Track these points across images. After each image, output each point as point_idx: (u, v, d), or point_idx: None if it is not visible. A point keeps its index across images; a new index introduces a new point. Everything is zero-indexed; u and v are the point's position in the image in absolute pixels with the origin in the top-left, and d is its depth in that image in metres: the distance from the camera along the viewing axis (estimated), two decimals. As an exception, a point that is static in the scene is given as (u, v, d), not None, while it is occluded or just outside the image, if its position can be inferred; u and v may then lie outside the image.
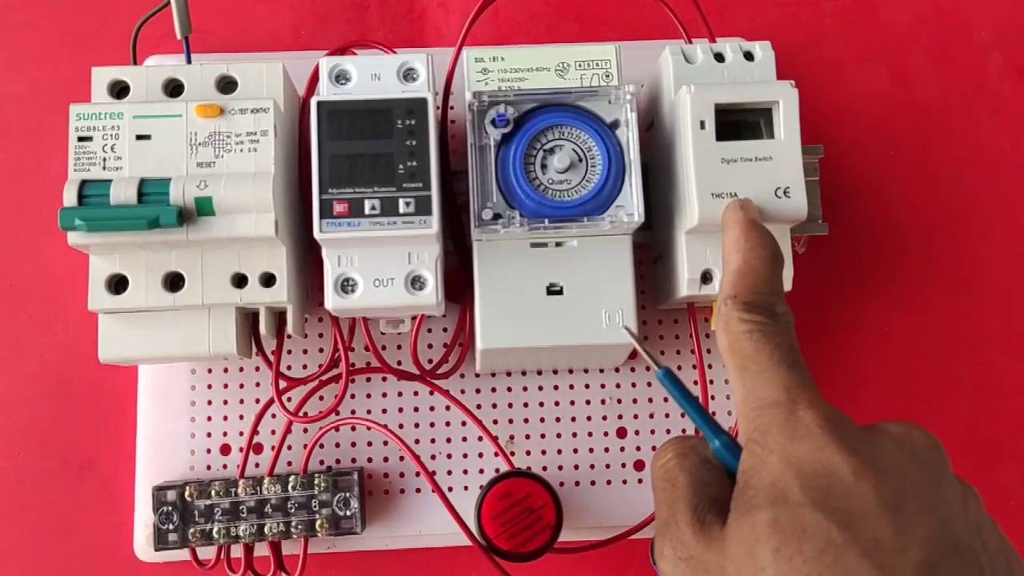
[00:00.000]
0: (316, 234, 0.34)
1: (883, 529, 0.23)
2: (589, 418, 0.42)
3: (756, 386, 0.26)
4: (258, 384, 0.41)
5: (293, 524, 0.39)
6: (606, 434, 0.42)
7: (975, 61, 0.47)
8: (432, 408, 0.42)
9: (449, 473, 0.41)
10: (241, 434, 0.41)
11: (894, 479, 0.24)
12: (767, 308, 0.28)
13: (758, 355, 0.27)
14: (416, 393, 0.42)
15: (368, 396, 0.42)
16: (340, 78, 0.37)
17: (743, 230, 0.30)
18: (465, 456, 0.41)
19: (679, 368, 0.42)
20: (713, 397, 0.42)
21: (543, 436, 0.42)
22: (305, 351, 0.42)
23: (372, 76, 0.37)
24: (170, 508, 0.39)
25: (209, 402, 0.41)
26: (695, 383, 0.42)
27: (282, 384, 0.40)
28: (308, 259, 0.40)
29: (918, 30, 0.47)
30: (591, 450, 0.42)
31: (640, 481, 0.42)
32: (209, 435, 0.41)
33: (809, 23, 0.47)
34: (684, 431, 0.42)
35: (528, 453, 0.42)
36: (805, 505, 0.23)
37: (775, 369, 0.26)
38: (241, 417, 0.41)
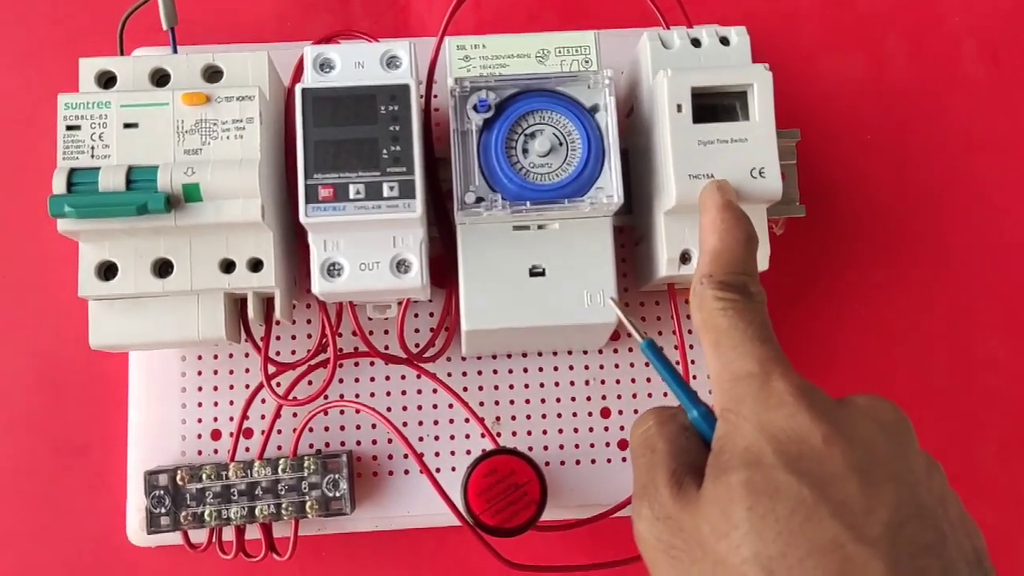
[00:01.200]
0: (302, 218, 0.35)
1: (852, 491, 0.24)
2: (573, 399, 0.43)
3: (730, 360, 0.27)
4: (247, 369, 0.42)
5: (283, 506, 0.40)
6: (590, 414, 0.43)
7: (949, 46, 0.48)
8: (419, 391, 0.42)
9: (437, 455, 0.42)
10: (231, 419, 0.42)
11: (862, 446, 0.25)
12: (741, 287, 0.29)
13: (732, 331, 0.27)
14: (403, 376, 0.42)
15: (356, 380, 0.42)
16: (324, 66, 0.37)
17: (719, 211, 0.31)
18: (452, 438, 0.42)
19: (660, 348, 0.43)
20: (695, 377, 0.43)
21: (528, 417, 0.42)
22: (293, 336, 0.43)
23: (356, 64, 0.37)
24: (162, 492, 0.40)
25: (199, 388, 0.42)
26: (676, 363, 0.43)
27: (271, 369, 0.40)
28: (295, 245, 0.40)
29: (893, 16, 0.48)
30: (575, 430, 0.42)
31: (624, 460, 0.42)
32: (200, 420, 0.42)
33: (786, 10, 0.48)
34: (667, 411, 0.43)
35: (514, 434, 0.42)
36: (778, 467, 0.24)
37: (748, 344, 0.27)
38: (231, 402, 0.42)
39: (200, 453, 0.42)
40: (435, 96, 0.42)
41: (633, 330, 0.31)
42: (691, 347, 0.43)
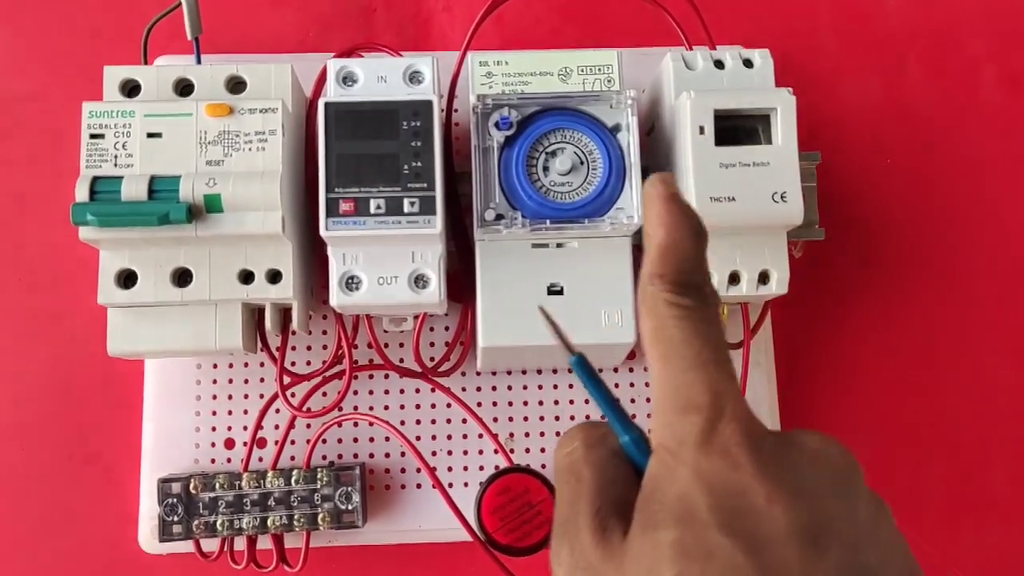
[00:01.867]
0: (322, 232, 0.35)
1: (791, 556, 0.22)
2: (588, 417, 0.43)
3: (680, 385, 0.24)
4: (262, 379, 0.42)
5: (296, 517, 0.40)
6: (604, 433, 0.42)
7: (968, 71, 0.48)
8: (433, 405, 0.42)
9: (450, 469, 0.42)
10: (245, 428, 0.42)
11: (807, 503, 0.23)
12: (696, 289, 0.25)
13: (686, 348, 0.24)
14: (418, 390, 0.42)
15: (371, 393, 0.42)
16: (347, 80, 0.37)
17: (665, 203, 0.26)
18: (465, 453, 0.42)
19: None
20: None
21: (542, 434, 0.42)
22: (309, 347, 0.43)
23: (378, 78, 0.37)
24: (175, 500, 0.40)
25: (214, 396, 0.42)
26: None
27: (286, 380, 0.40)
28: (314, 257, 0.40)
29: (913, 40, 0.48)
30: (589, 448, 0.42)
31: (637, 479, 0.42)
32: (214, 429, 0.42)
33: (807, 33, 0.48)
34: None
35: (527, 451, 0.42)
36: (712, 527, 0.22)
37: (703, 367, 0.24)
38: (245, 412, 0.42)
39: (213, 462, 0.42)
40: (456, 110, 0.42)
41: (563, 345, 0.28)
42: (706, 367, 0.43)
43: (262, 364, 0.42)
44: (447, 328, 0.43)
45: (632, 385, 0.43)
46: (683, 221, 0.26)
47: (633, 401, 0.43)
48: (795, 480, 0.23)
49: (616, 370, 0.43)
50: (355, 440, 0.42)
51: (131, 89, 0.38)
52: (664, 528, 0.22)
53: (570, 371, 0.42)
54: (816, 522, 0.22)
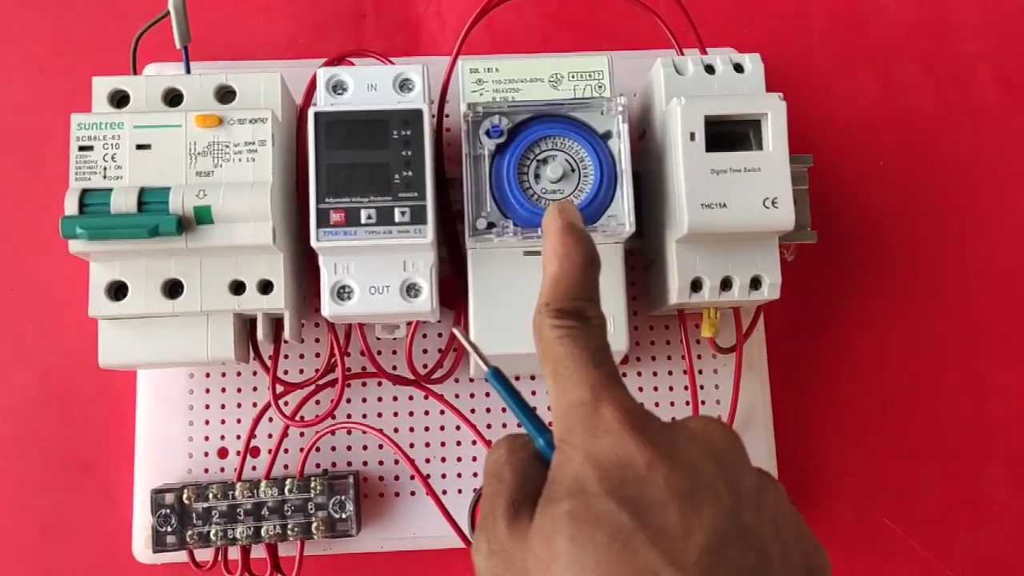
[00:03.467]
0: (313, 243, 0.35)
1: (671, 517, 0.24)
2: (581, 422, 0.42)
3: (565, 388, 0.27)
4: (255, 388, 0.42)
5: (289, 526, 0.40)
6: (598, 438, 0.42)
7: (962, 73, 0.48)
8: (427, 412, 0.42)
9: (443, 477, 0.42)
10: (238, 438, 0.42)
11: (686, 470, 0.25)
12: (579, 313, 0.28)
13: (568, 359, 0.27)
14: (411, 398, 0.42)
15: (364, 400, 0.42)
16: (337, 88, 0.37)
17: (559, 236, 0.29)
18: (459, 460, 0.42)
19: (670, 373, 0.43)
20: (703, 402, 0.43)
21: (536, 440, 0.42)
22: (302, 356, 0.42)
23: (368, 87, 0.37)
24: (168, 510, 0.40)
25: (207, 406, 0.42)
26: (685, 388, 0.43)
27: (279, 389, 0.40)
28: (305, 266, 0.40)
29: (905, 42, 0.48)
30: (583, 454, 0.42)
31: (631, 484, 0.42)
32: (207, 439, 0.42)
33: (799, 35, 0.48)
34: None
35: (521, 457, 0.42)
36: (600, 495, 0.24)
37: (583, 370, 0.27)
38: (238, 421, 0.42)
39: (207, 471, 0.42)
40: (447, 116, 0.42)
41: (479, 359, 0.30)
42: (700, 372, 0.43)
43: (255, 373, 0.42)
44: (440, 335, 0.43)
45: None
46: (575, 252, 0.29)
47: (627, 406, 0.43)
48: (676, 450, 0.25)
49: (609, 375, 0.43)
50: (348, 448, 0.42)
51: (120, 100, 0.38)
52: (560, 502, 0.25)
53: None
54: (694, 485, 0.25)
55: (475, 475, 0.42)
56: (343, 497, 0.40)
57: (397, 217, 0.35)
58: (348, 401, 0.42)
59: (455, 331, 0.31)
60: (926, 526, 0.44)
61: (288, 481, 0.40)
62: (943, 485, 0.44)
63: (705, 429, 0.27)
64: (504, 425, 0.42)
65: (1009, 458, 0.45)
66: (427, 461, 0.42)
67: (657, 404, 0.43)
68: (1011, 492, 0.44)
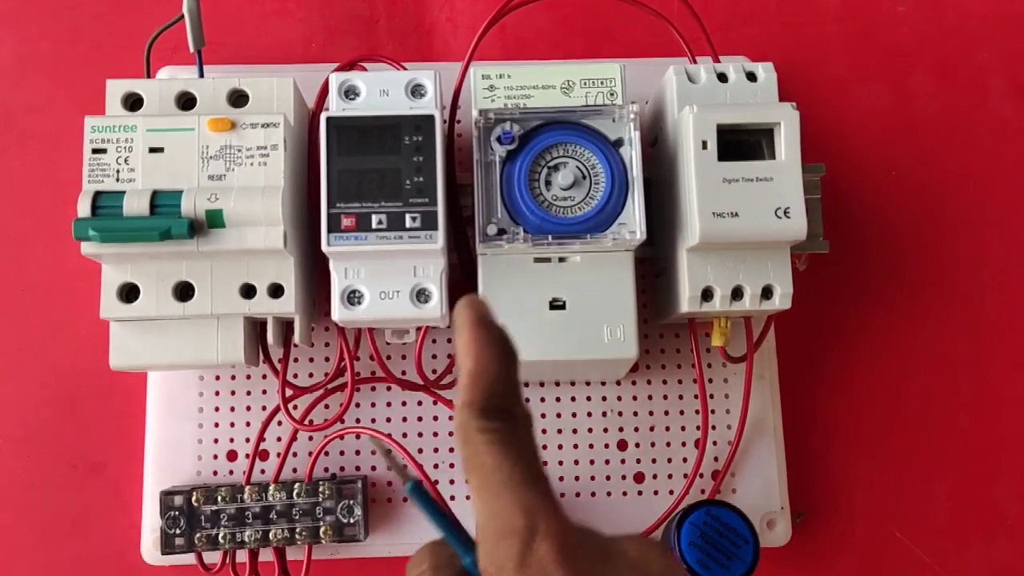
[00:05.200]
0: (324, 247, 0.35)
1: None
2: (590, 430, 0.42)
3: (495, 511, 0.25)
4: (265, 392, 0.42)
5: (297, 531, 0.40)
6: (607, 446, 0.42)
7: (976, 82, 0.48)
8: (435, 418, 0.42)
9: (452, 482, 0.42)
10: (248, 441, 0.42)
11: None
12: (506, 412, 0.27)
13: (497, 473, 0.25)
14: (420, 403, 0.42)
15: (373, 405, 0.42)
16: (349, 93, 0.37)
17: (472, 329, 0.28)
18: (467, 466, 0.42)
19: (679, 382, 0.43)
20: (713, 411, 0.42)
21: (544, 448, 0.42)
22: (311, 360, 0.43)
23: (380, 92, 0.37)
24: (177, 513, 0.40)
25: (216, 409, 0.42)
26: (695, 397, 0.42)
27: (288, 392, 0.40)
28: (315, 270, 0.40)
29: (920, 51, 0.48)
30: (591, 462, 0.42)
31: (640, 493, 0.42)
32: (216, 441, 0.42)
33: (813, 43, 0.48)
34: (684, 444, 0.42)
35: (529, 463, 0.42)
36: None
37: (515, 490, 0.25)
38: (248, 424, 0.42)
39: (216, 474, 0.42)
40: (458, 121, 0.42)
41: (399, 472, 0.29)
42: (710, 381, 0.43)
43: (264, 376, 0.42)
44: (449, 340, 0.43)
45: (635, 398, 0.43)
46: (490, 346, 0.27)
47: (636, 414, 0.43)
48: None
49: (618, 383, 0.43)
50: (357, 453, 0.42)
51: (133, 103, 0.38)
52: None
53: (572, 384, 0.42)
54: None
55: (483, 481, 0.42)
56: (351, 502, 0.40)
57: (408, 222, 0.35)
58: (357, 406, 0.42)
59: (374, 442, 0.30)
60: (938, 539, 0.44)
61: (297, 485, 0.40)
62: (955, 498, 0.44)
63: (645, 557, 0.25)
64: (513, 431, 0.42)
65: (1022, 471, 0.44)
66: (435, 467, 0.42)
67: (667, 413, 0.43)
68: None
